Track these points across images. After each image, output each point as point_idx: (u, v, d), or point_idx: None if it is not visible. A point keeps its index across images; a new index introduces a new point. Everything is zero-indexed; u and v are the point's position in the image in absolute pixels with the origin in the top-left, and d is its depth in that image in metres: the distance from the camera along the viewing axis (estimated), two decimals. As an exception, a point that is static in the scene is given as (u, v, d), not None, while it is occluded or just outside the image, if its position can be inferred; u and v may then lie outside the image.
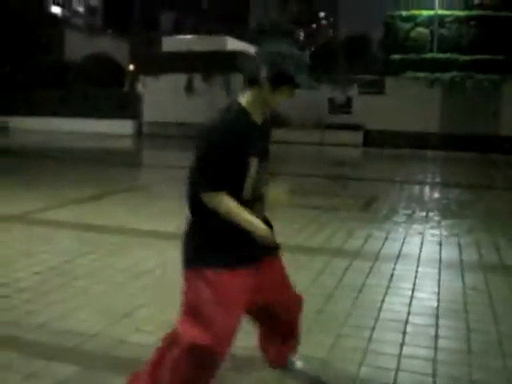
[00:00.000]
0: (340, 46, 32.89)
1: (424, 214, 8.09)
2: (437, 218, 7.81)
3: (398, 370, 3.24)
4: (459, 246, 6.25)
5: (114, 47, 40.12)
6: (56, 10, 56.99)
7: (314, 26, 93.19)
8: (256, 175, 2.55)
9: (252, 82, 2.54)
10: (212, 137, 2.49)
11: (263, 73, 2.48)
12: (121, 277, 4.78)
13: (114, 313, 3.94)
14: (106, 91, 27.79)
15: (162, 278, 4.77)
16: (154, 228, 6.65)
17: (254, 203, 2.59)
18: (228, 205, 2.48)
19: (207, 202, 2.49)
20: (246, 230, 2.50)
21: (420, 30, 22.92)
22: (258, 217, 2.57)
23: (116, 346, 3.45)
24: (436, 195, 9.99)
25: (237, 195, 2.51)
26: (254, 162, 2.52)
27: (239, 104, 2.56)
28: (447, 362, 3.34)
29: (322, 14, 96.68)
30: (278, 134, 19.86)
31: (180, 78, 25.48)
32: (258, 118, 2.58)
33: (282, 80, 2.49)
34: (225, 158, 2.45)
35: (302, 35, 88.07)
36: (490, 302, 4.41)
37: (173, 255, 5.18)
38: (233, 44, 27.71)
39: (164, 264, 5.12)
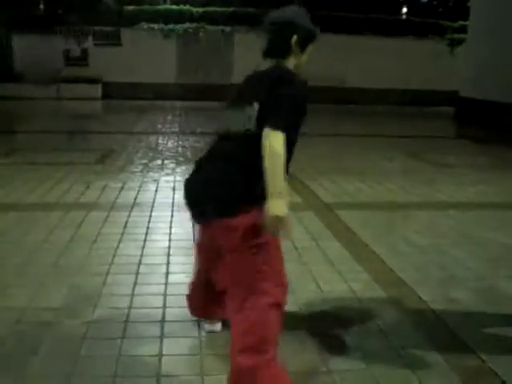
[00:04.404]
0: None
1: (160, 162, 8.42)
2: (172, 165, 8.19)
3: (130, 307, 3.48)
4: (191, 189, 6.69)
5: None
6: None
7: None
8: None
9: (284, 50, 2.60)
10: (296, 87, 2.47)
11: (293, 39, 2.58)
12: None
13: None
14: None
15: None
16: None
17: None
18: (283, 151, 2.31)
19: (271, 138, 2.30)
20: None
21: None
22: None
23: None
24: (172, 144, 10.38)
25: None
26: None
27: (290, 70, 2.60)
28: (176, 294, 3.66)
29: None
30: (11, 89, 18.61)
31: None
32: None
33: (308, 40, 2.64)
34: (300, 112, 2.46)
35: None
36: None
37: None
38: None
39: None
